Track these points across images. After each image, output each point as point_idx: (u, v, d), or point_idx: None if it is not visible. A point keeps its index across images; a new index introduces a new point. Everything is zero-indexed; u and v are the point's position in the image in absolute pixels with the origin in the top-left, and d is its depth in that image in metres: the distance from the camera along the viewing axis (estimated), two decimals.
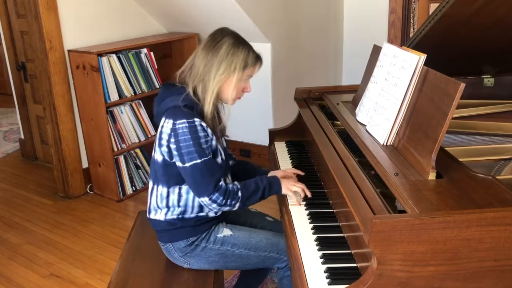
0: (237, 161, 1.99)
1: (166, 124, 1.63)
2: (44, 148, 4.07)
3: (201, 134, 1.61)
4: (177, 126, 1.59)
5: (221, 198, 1.61)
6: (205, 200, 1.62)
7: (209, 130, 1.64)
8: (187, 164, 1.60)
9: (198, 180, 1.60)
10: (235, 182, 1.69)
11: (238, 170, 1.95)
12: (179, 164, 1.62)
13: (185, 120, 1.59)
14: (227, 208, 1.66)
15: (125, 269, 1.77)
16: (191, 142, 1.59)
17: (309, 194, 1.71)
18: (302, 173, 1.86)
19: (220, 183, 1.63)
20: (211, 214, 1.73)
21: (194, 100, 1.66)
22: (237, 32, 1.73)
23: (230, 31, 1.71)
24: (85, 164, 3.53)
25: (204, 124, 1.62)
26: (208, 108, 1.66)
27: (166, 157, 1.66)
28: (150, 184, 1.77)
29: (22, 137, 4.25)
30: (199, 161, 1.59)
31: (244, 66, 1.66)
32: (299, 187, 1.72)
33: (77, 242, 2.89)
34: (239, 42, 1.67)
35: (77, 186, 3.49)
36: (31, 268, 2.65)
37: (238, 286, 2.14)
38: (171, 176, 1.68)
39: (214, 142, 1.67)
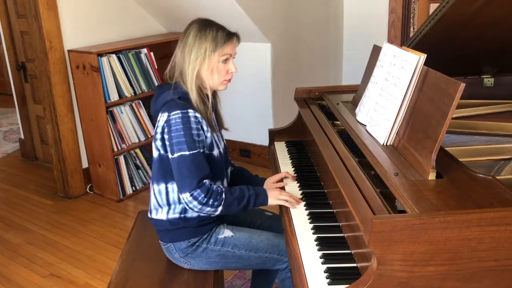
0: (234, 168, 1.98)
1: (162, 118, 1.64)
2: (44, 148, 4.07)
3: (194, 126, 1.60)
4: (171, 117, 1.60)
5: (203, 195, 1.58)
6: (186, 196, 1.58)
7: (204, 122, 1.64)
8: (175, 155, 1.59)
9: (183, 172, 1.58)
10: (220, 185, 1.67)
11: (235, 178, 1.94)
12: (169, 155, 1.62)
13: (179, 111, 1.60)
14: (208, 209, 1.61)
15: (125, 269, 1.77)
16: (182, 133, 1.58)
17: (296, 200, 1.69)
18: (292, 178, 1.87)
19: (205, 181, 1.60)
20: (195, 214, 1.69)
21: (186, 91, 1.66)
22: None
23: (199, 19, 1.71)
24: (85, 164, 3.53)
25: (198, 116, 1.62)
26: (193, 96, 1.66)
27: (161, 151, 1.66)
28: (151, 184, 1.77)
29: (22, 137, 4.25)
30: (187, 153, 1.58)
31: (215, 47, 1.65)
32: (284, 197, 1.68)
33: (77, 242, 2.89)
34: (205, 25, 1.67)
35: (77, 186, 3.49)
36: (31, 268, 2.65)
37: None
38: (167, 170, 1.67)
39: (209, 135, 1.66)
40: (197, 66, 1.65)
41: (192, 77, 1.65)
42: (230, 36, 1.68)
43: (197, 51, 1.65)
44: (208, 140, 1.67)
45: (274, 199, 1.69)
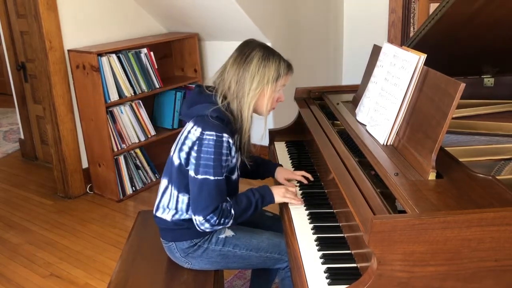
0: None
1: (194, 131, 1.61)
2: (44, 148, 4.07)
3: (225, 151, 1.58)
4: (204, 136, 1.57)
5: (215, 218, 1.58)
6: (199, 219, 1.58)
7: (233, 148, 1.62)
8: (199, 176, 1.57)
9: (203, 196, 1.57)
10: (227, 199, 1.65)
11: (249, 167, 1.93)
12: (191, 173, 1.60)
13: (214, 133, 1.56)
14: (219, 227, 1.62)
15: (125, 269, 1.77)
16: (213, 157, 1.56)
17: (299, 202, 1.69)
18: (311, 178, 1.85)
19: (219, 205, 1.59)
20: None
21: (226, 114, 1.63)
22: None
23: (258, 43, 1.68)
24: (85, 164, 3.53)
25: (231, 142, 1.60)
26: (246, 124, 1.65)
27: (183, 163, 1.64)
28: (163, 181, 1.75)
29: (22, 137, 4.25)
30: (212, 178, 1.56)
31: (277, 77, 1.64)
32: (290, 196, 1.69)
33: (77, 242, 2.89)
34: (269, 53, 1.65)
35: (77, 186, 3.49)
36: (31, 268, 2.65)
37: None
38: (182, 182, 1.66)
39: (234, 160, 1.65)
40: (257, 94, 1.63)
41: (250, 105, 1.63)
42: (290, 68, 1.69)
43: (259, 80, 1.61)
44: (232, 165, 1.66)
45: (280, 197, 1.70)
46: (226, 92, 1.65)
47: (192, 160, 1.60)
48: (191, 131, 1.62)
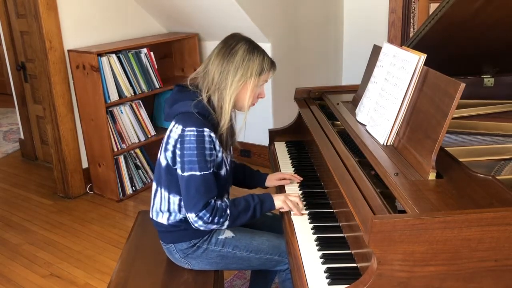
0: (236, 165, 1.98)
1: (175, 129, 1.61)
2: (44, 148, 4.07)
3: (208, 145, 1.57)
4: (185, 133, 1.57)
5: (208, 215, 1.56)
6: (191, 216, 1.57)
7: (217, 142, 1.61)
8: (186, 173, 1.57)
9: (191, 193, 1.56)
10: (224, 199, 1.65)
11: (237, 175, 1.93)
12: (179, 171, 1.60)
13: (194, 128, 1.56)
14: (214, 226, 1.59)
15: (125, 269, 1.77)
16: (195, 152, 1.55)
17: (301, 209, 1.65)
18: (300, 178, 1.86)
19: (210, 201, 1.57)
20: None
21: (207, 108, 1.63)
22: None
23: (244, 36, 1.68)
24: (85, 164, 3.53)
25: (213, 136, 1.59)
26: (226, 117, 1.63)
27: (170, 162, 1.64)
28: (154, 185, 1.75)
29: (22, 137, 4.25)
30: (198, 173, 1.56)
31: (260, 72, 1.63)
32: (291, 204, 1.65)
33: (77, 242, 2.89)
34: (254, 47, 1.65)
35: (77, 186, 3.49)
36: (31, 268, 2.65)
37: None
38: (172, 182, 1.66)
39: (220, 154, 1.64)
40: (239, 87, 1.62)
41: (231, 97, 1.62)
42: (273, 65, 1.68)
43: (243, 73, 1.61)
44: (219, 159, 1.65)
45: (280, 201, 1.66)
46: (209, 84, 1.64)
47: (178, 158, 1.59)
48: (173, 130, 1.62)
